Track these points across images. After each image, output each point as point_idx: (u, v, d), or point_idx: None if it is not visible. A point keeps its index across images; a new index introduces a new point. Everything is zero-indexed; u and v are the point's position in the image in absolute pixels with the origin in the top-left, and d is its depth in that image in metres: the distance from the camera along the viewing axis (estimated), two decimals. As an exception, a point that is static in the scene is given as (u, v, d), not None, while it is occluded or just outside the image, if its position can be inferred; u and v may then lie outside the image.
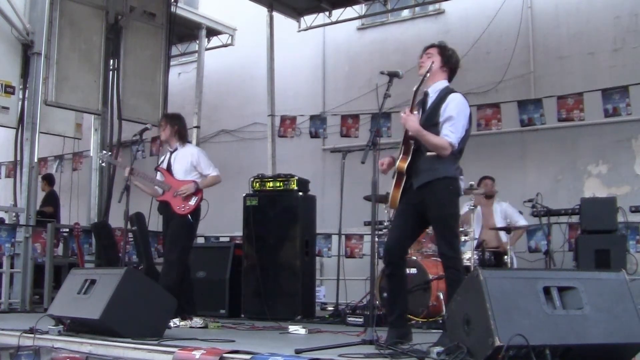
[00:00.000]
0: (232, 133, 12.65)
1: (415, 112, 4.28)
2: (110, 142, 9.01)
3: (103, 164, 6.30)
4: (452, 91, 4.40)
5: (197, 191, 6.14)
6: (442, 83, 4.44)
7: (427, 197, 4.27)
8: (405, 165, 4.28)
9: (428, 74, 4.30)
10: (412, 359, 3.54)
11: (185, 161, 6.21)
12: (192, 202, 6.11)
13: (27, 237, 7.72)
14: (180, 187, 6.10)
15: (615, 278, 3.50)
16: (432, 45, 4.52)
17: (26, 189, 7.89)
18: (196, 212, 6.16)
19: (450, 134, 4.24)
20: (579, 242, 7.08)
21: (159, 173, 6.33)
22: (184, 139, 6.37)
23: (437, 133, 4.26)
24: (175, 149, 6.29)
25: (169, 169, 6.26)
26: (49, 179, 10.26)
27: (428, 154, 4.27)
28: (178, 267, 6.03)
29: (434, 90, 4.41)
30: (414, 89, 4.31)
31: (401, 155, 4.31)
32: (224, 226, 10.07)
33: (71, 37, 8.43)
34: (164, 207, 6.22)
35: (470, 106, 4.50)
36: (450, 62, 4.46)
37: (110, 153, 6.36)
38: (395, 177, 4.33)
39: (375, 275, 4.67)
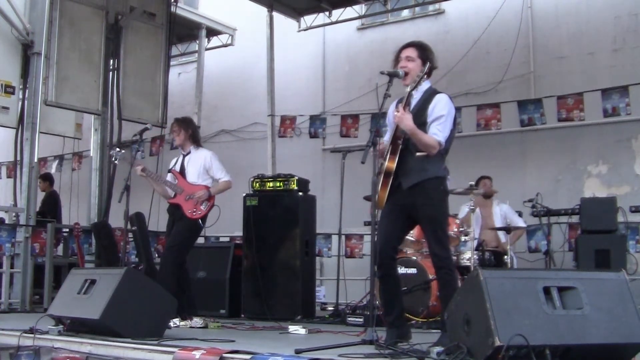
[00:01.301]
0: (232, 133, 12.65)
1: (408, 109, 4.26)
2: (110, 142, 9.01)
3: (116, 162, 6.30)
4: (436, 92, 4.41)
5: (209, 197, 6.18)
6: (426, 84, 4.43)
7: (417, 198, 4.26)
8: (394, 165, 4.25)
9: (421, 81, 4.28)
10: (412, 359, 3.54)
11: (198, 164, 6.26)
12: (204, 207, 6.14)
13: (27, 237, 7.72)
14: (192, 190, 6.13)
15: (615, 278, 3.50)
16: (409, 45, 4.49)
17: (26, 189, 7.89)
18: (205, 217, 6.19)
19: (438, 132, 4.24)
20: (579, 242, 7.08)
21: (171, 175, 6.36)
22: (198, 142, 6.45)
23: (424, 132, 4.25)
24: (189, 152, 6.33)
25: (182, 171, 6.30)
26: (50, 179, 10.25)
27: (417, 154, 4.25)
28: (174, 266, 6.05)
29: (418, 90, 4.39)
30: (409, 90, 4.28)
31: (389, 155, 4.28)
32: (224, 226, 10.02)
33: (71, 37, 8.43)
34: (174, 209, 6.24)
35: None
36: (431, 63, 4.41)
37: (123, 151, 6.39)
38: (382, 177, 4.29)
39: (375, 275, 4.66)
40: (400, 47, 4.52)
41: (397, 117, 4.20)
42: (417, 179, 4.25)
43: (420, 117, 4.29)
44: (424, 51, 4.45)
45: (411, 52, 4.44)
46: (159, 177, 6.31)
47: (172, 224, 6.28)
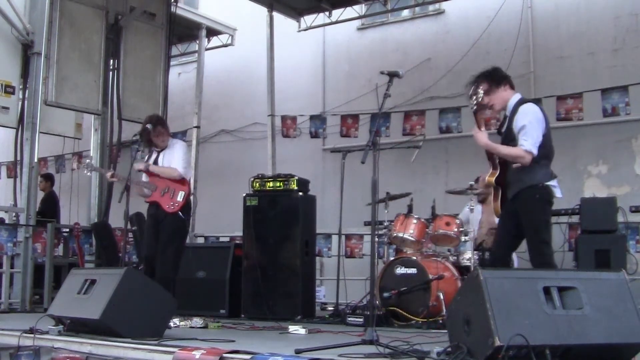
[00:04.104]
0: (232, 133, 12.65)
1: (483, 129, 4.50)
2: (110, 142, 9.01)
3: (88, 174, 6.31)
4: (522, 102, 4.57)
5: (183, 185, 6.17)
6: (513, 99, 4.63)
7: (518, 207, 4.51)
8: (493, 179, 4.53)
9: (490, 107, 4.58)
10: (412, 359, 3.54)
11: (173, 159, 6.23)
12: (180, 198, 6.11)
13: (28, 237, 7.72)
14: (166, 184, 6.12)
15: (615, 278, 3.51)
16: (476, 82, 4.64)
17: (26, 189, 7.89)
18: (186, 207, 6.18)
19: (524, 142, 4.41)
20: (579, 242, 7.08)
21: (143, 174, 6.32)
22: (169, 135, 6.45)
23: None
24: (164, 148, 6.30)
25: None
26: (51, 180, 10.25)
27: (513, 165, 4.49)
28: (173, 268, 6.05)
29: (508, 109, 4.63)
30: (473, 111, 4.53)
31: (490, 170, 4.55)
32: (224, 226, 10.08)
33: (71, 37, 8.43)
34: (154, 208, 6.22)
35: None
36: (498, 79, 4.62)
37: (94, 161, 6.38)
38: (492, 190, 4.60)
39: (375, 275, 4.67)
40: (471, 88, 4.68)
41: (474, 136, 4.48)
42: (515, 189, 4.51)
43: (511, 134, 4.51)
44: (488, 77, 4.64)
45: (483, 87, 4.60)
46: (130, 180, 6.14)
47: (155, 223, 6.20)
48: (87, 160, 6.82)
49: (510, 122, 4.53)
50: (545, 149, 4.49)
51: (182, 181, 6.20)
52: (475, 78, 4.69)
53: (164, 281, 5.84)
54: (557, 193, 4.58)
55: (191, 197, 6.29)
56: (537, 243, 4.49)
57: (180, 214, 6.12)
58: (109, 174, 6.20)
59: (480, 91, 4.51)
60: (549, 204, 4.59)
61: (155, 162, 6.27)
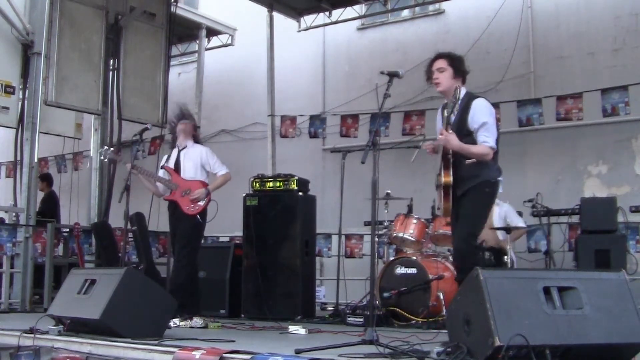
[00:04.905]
0: (232, 133, 12.65)
1: (451, 131, 4.39)
2: (110, 142, 9.00)
3: (105, 160, 6.33)
4: (473, 97, 4.54)
5: (208, 195, 6.20)
6: (462, 90, 4.54)
7: (467, 196, 4.47)
8: (450, 179, 4.44)
9: (459, 97, 4.39)
10: (412, 359, 3.54)
11: (196, 160, 6.25)
12: (202, 202, 6.14)
13: (27, 237, 7.72)
14: (188, 186, 6.13)
15: (615, 278, 3.51)
16: (439, 57, 4.61)
17: (26, 189, 7.89)
18: (204, 212, 6.20)
19: (487, 139, 4.42)
20: (579, 242, 7.08)
21: (164, 171, 6.33)
22: (196, 137, 6.48)
23: (471, 142, 4.42)
24: (185, 147, 6.31)
25: (177, 167, 6.27)
26: (48, 180, 10.25)
27: (467, 161, 4.43)
28: (188, 268, 6.09)
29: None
30: (440, 109, 4.49)
31: (443, 171, 4.46)
32: (224, 226, 10.04)
33: (71, 37, 8.43)
34: (172, 206, 6.25)
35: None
36: (461, 68, 4.60)
37: (111, 149, 6.40)
38: (442, 190, 4.48)
39: (375, 275, 4.67)
40: (430, 61, 4.67)
41: (443, 139, 4.37)
42: (468, 185, 4.46)
43: (463, 128, 4.46)
44: (453, 60, 4.60)
45: (442, 64, 4.59)
46: (151, 174, 6.28)
47: (173, 222, 6.28)
48: (105, 147, 6.83)
49: (463, 116, 4.48)
50: (498, 144, 4.54)
51: (205, 184, 6.24)
52: (437, 55, 4.65)
53: (177, 281, 5.88)
54: (501, 188, 4.63)
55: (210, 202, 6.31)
56: (470, 232, 4.48)
57: (199, 217, 6.14)
58: (128, 165, 6.18)
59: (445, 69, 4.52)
60: (492, 200, 4.66)
61: (177, 162, 6.30)
